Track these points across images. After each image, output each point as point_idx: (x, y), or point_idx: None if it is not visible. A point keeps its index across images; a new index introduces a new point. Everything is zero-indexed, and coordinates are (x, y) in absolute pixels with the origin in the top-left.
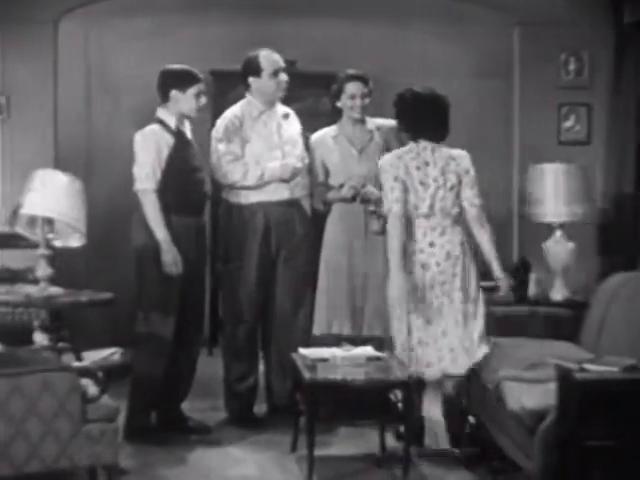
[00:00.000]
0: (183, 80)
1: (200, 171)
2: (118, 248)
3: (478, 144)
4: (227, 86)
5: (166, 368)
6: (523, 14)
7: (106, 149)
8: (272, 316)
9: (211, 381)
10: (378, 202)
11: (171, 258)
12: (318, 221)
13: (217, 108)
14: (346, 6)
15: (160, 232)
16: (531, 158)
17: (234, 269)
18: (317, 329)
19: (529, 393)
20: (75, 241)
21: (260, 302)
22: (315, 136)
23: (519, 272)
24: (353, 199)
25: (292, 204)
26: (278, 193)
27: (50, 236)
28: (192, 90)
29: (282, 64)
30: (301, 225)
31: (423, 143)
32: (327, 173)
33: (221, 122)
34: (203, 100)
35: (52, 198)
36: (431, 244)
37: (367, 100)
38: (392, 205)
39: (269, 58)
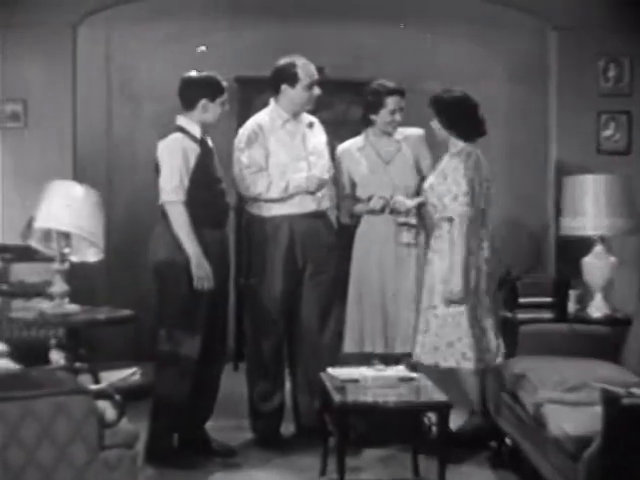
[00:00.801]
0: (213, 89)
1: (222, 182)
2: (141, 261)
3: (510, 153)
4: (253, 93)
5: (191, 389)
6: (559, 17)
7: (127, 158)
8: (298, 333)
9: (236, 398)
10: (408, 213)
11: (204, 272)
12: (345, 234)
13: (243, 116)
14: (375, 11)
15: (192, 246)
16: (568, 168)
17: (258, 284)
18: (348, 347)
19: (572, 417)
20: (92, 256)
21: (285, 318)
22: (341, 148)
23: (557, 288)
24: (382, 210)
25: (318, 216)
26: (303, 205)
27: (66, 251)
28: (220, 99)
29: (317, 76)
30: (328, 238)
31: (472, 144)
32: (354, 185)
33: (243, 131)
34: (226, 108)
35: (67, 211)
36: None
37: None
38: (465, 208)
39: (307, 69)
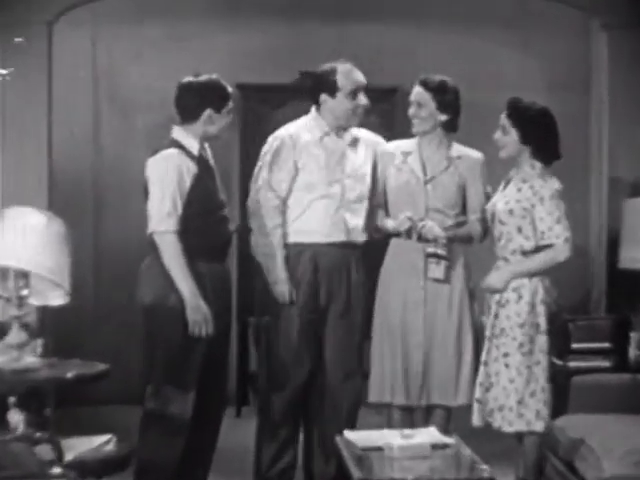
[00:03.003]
0: (219, 97)
1: (225, 206)
2: (133, 299)
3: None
4: (256, 102)
5: (182, 452)
6: (609, 15)
7: (118, 178)
8: (318, 385)
9: (238, 451)
10: (439, 243)
11: (201, 316)
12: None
13: (246, 128)
14: (396, 9)
15: (186, 284)
16: (622, 189)
17: (272, 324)
18: (372, 396)
19: None
20: (56, 299)
21: (305, 368)
22: (385, 147)
23: (615, 331)
24: (408, 235)
25: (348, 248)
26: (331, 233)
27: (24, 293)
28: (226, 109)
29: (363, 82)
30: (357, 273)
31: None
32: (386, 196)
33: (273, 141)
34: (231, 118)
35: (22, 244)
36: None
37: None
38: (568, 234)
39: (349, 76)
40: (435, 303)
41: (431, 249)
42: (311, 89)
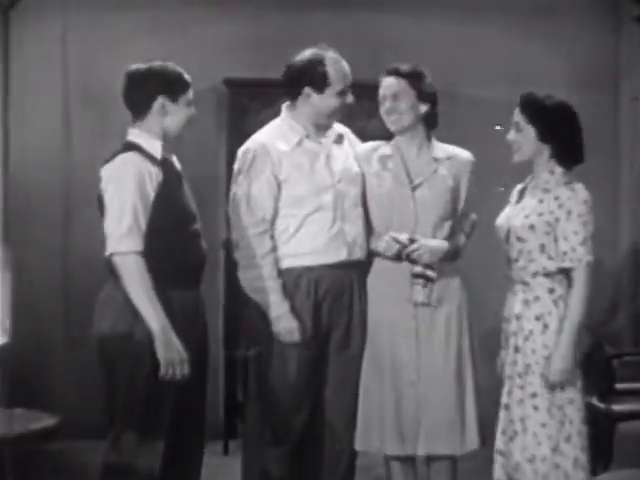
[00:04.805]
0: (172, 82)
1: (197, 219)
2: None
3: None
4: (245, 99)
5: None
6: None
7: (91, 186)
8: (315, 431)
9: None
10: (429, 264)
11: (175, 355)
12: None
13: (233, 127)
14: None
15: (155, 316)
16: None
17: (263, 360)
18: (358, 443)
19: None
20: None
21: (305, 413)
22: (360, 150)
23: None
24: (398, 258)
25: (349, 267)
26: (330, 252)
27: None
28: (184, 98)
29: (350, 77)
30: (362, 297)
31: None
32: (367, 209)
33: (244, 155)
34: (192, 111)
35: None
36: None
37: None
38: (590, 259)
39: (340, 68)
40: (429, 333)
41: (419, 269)
42: (293, 81)
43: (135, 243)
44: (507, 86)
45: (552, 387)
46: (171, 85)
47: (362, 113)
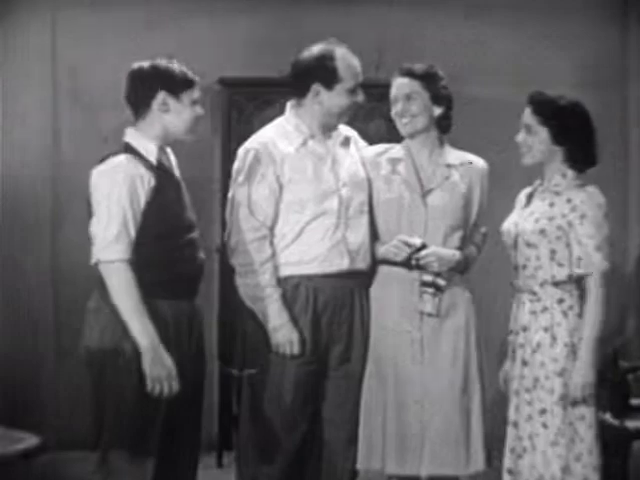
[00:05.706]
0: (175, 78)
1: (194, 228)
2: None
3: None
4: (242, 99)
5: None
6: None
7: (81, 189)
8: (314, 451)
9: None
10: (439, 272)
11: (163, 371)
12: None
13: (230, 129)
14: None
15: (143, 330)
16: None
17: (259, 377)
18: (358, 462)
19: None
20: None
21: (300, 430)
22: (367, 153)
23: None
24: (407, 264)
25: (351, 277)
26: (331, 261)
27: None
28: (188, 95)
29: (361, 76)
30: (363, 310)
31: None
32: (374, 215)
33: (244, 156)
34: (198, 112)
35: None
36: None
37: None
38: (607, 265)
39: (350, 64)
40: (435, 346)
41: (428, 277)
42: (300, 77)
43: (122, 251)
44: (512, 85)
45: (573, 403)
46: (173, 80)
47: (362, 112)
